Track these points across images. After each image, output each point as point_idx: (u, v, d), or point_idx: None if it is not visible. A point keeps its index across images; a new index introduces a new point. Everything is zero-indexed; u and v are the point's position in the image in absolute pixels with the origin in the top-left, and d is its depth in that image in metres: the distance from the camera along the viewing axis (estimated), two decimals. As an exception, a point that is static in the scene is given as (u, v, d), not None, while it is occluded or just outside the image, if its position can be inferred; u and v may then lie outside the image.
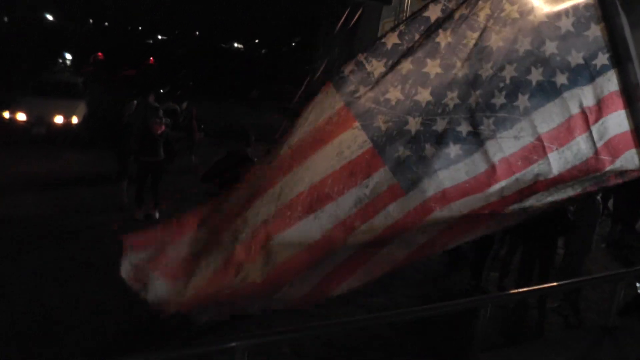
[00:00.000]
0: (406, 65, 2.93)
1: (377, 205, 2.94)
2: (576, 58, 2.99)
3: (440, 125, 2.99)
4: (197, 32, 46.34)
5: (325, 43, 19.73)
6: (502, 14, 3.02)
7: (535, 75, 3.02)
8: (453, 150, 3.00)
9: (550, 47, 3.01)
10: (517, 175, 3.03)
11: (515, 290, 5.59)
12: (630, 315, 4.94)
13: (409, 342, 5.58)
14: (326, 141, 2.87)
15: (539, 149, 3.02)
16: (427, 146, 2.97)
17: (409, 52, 2.93)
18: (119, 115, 9.87)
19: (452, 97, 3.00)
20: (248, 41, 47.71)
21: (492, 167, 3.02)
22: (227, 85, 25.78)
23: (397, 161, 2.94)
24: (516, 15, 3.03)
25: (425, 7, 3.01)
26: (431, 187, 2.98)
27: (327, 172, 2.87)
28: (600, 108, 2.98)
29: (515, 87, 3.02)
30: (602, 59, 2.97)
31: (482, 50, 3.01)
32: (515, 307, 6.38)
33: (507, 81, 3.03)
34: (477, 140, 3.03)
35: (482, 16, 3.00)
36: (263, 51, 44.37)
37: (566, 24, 3.00)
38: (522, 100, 3.02)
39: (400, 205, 2.98)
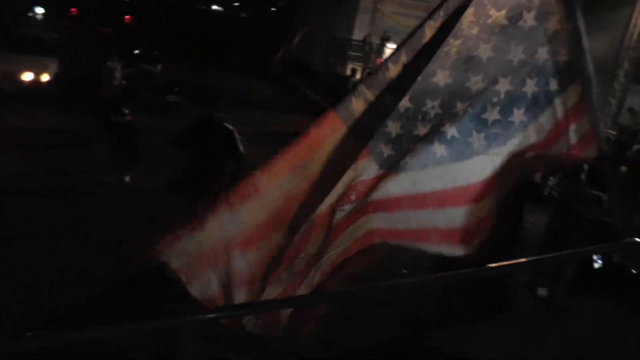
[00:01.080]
0: (390, 75, 2.81)
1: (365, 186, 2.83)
2: (564, 56, 2.87)
3: (422, 130, 2.85)
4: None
5: (304, 10, 19.54)
6: (489, 21, 2.85)
7: (531, 87, 2.87)
8: (438, 149, 2.86)
9: (542, 53, 2.87)
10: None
11: (493, 265, 5.57)
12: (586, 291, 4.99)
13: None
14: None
15: (525, 163, 2.96)
16: (411, 145, 2.83)
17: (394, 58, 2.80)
18: (93, 75, 9.69)
19: (432, 106, 2.85)
20: (228, 4, 46.95)
21: (484, 182, 2.92)
22: (206, 48, 25.40)
23: (382, 155, 2.81)
24: (504, 21, 2.86)
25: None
26: (422, 182, 2.89)
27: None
28: (578, 108, 2.89)
29: (511, 102, 2.88)
30: (573, 68, 2.86)
31: (469, 60, 2.85)
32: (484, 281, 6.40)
33: (502, 95, 2.89)
34: (465, 149, 2.90)
35: (465, 23, 2.82)
36: (243, 15, 43.74)
37: (554, 24, 2.86)
38: (518, 115, 2.88)
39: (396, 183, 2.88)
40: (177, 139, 6.42)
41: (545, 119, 2.91)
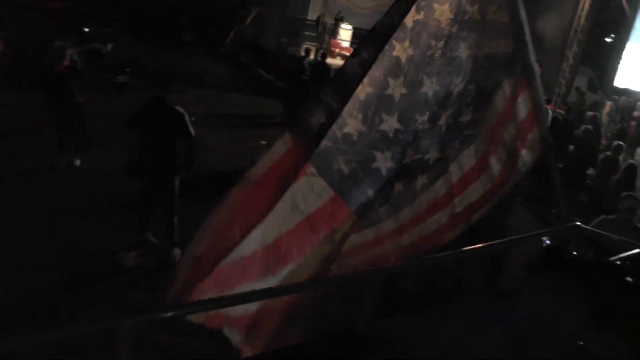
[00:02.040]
0: (364, 89, 2.52)
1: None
2: (509, 47, 2.95)
3: (410, 156, 2.68)
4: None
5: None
6: (466, 17, 2.72)
7: (490, 80, 2.88)
8: (420, 181, 2.80)
9: (497, 46, 2.88)
10: (471, 186, 2.97)
11: (440, 254, 5.75)
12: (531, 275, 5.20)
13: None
14: (278, 193, 2.45)
15: (486, 156, 2.98)
16: (397, 185, 2.70)
17: (364, 72, 2.53)
18: (40, 53, 9.46)
19: (422, 122, 2.67)
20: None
21: (450, 187, 2.91)
22: (157, 26, 24.82)
23: (366, 207, 2.59)
24: (478, 17, 2.78)
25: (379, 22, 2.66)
26: (396, 225, 2.79)
27: (281, 231, 2.44)
28: (517, 94, 3.00)
29: (481, 101, 2.85)
30: (517, 69, 2.96)
31: (452, 62, 2.72)
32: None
33: (474, 94, 2.82)
34: (443, 165, 2.87)
35: (444, 22, 2.66)
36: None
37: (496, 15, 2.88)
38: (484, 112, 2.90)
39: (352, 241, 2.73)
40: (128, 120, 6.37)
41: (492, 113, 2.97)
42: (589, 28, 18.21)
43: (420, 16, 2.59)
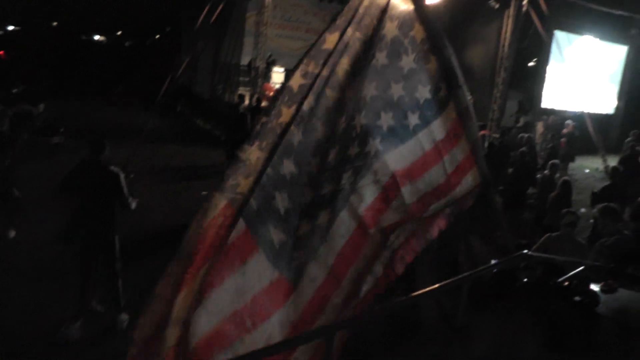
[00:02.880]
0: (271, 138, 2.70)
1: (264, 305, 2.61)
2: (424, 93, 3.00)
3: (308, 195, 2.77)
4: (55, 23, 43.69)
5: (189, 38, 19.39)
6: (338, 69, 2.87)
7: (386, 120, 2.96)
8: (322, 217, 2.82)
9: (397, 90, 2.97)
10: (382, 217, 2.98)
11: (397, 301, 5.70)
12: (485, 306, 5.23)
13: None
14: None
15: (394, 186, 2.99)
16: (301, 224, 2.73)
17: (266, 127, 2.71)
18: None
19: (315, 164, 2.79)
20: (110, 34, 45.65)
21: (361, 221, 2.92)
22: (90, 82, 24.52)
23: (272, 246, 2.63)
24: (385, 61, 2.96)
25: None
26: (321, 270, 2.78)
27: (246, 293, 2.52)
28: (451, 138, 3.02)
29: (366, 134, 2.93)
30: (444, 89, 3.01)
31: (337, 106, 2.85)
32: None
33: (359, 129, 2.92)
34: (341, 197, 2.90)
35: (340, 73, 2.84)
36: (126, 44, 42.68)
37: (408, 62, 2.99)
38: (374, 145, 2.95)
39: (294, 305, 2.69)
40: (62, 184, 6.12)
41: (409, 149, 3.01)
42: (513, 55, 19.13)
43: (317, 69, 2.77)
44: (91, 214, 5.99)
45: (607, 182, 10.95)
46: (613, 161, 18.43)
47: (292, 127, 2.72)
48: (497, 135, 16.15)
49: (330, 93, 2.81)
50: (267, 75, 19.02)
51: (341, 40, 2.86)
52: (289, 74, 2.90)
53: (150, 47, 36.15)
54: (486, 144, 13.44)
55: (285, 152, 2.69)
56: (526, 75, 22.79)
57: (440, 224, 3.08)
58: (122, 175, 6.09)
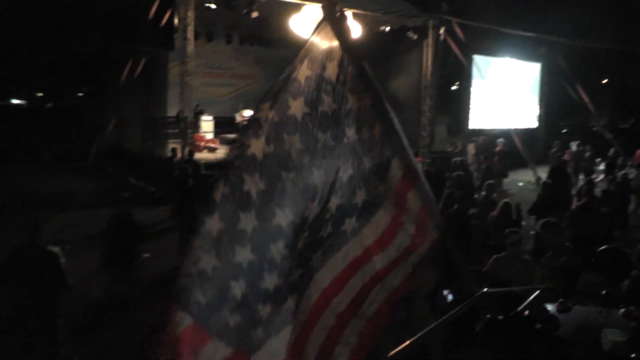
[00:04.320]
0: (213, 224, 2.62)
1: None
2: (372, 159, 2.98)
3: (269, 281, 2.73)
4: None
5: (114, 95, 19.05)
6: (318, 145, 2.89)
7: (361, 196, 2.95)
8: (289, 301, 2.80)
9: (367, 162, 2.96)
10: (347, 287, 2.94)
11: None
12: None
13: None
14: None
15: (365, 258, 2.95)
16: (263, 307, 2.69)
17: (211, 209, 2.64)
18: None
19: (277, 250, 2.75)
20: (30, 96, 44.33)
21: (323, 292, 2.88)
22: (13, 147, 23.50)
23: (227, 330, 2.61)
24: (331, 142, 2.93)
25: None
26: (280, 347, 2.76)
27: None
28: (401, 200, 2.98)
29: (342, 214, 2.91)
30: (387, 151, 2.97)
31: (307, 189, 2.85)
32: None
33: (334, 210, 2.91)
34: (309, 276, 2.87)
35: (294, 152, 2.82)
36: (48, 105, 41.51)
37: (358, 131, 2.99)
38: (350, 223, 2.93)
39: None
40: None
41: (380, 218, 2.99)
42: (436, 82, 19.78)
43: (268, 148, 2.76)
44: (30, 303, 5.61)
45: (540, 193, 11.35)
46: (542, 171, 19.15)
47: (242, 215, 2.68)
48: (428, 161, 16.51)
49: (286, 175, 2.79)
50: (196, 126, 18.85)
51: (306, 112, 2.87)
52: (241, 144, 2.81)
53: (74, 107, 35.28)
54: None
55: (235, 240, 2.65)
56: (451, 99, 23.59)
57: (409, 286, 3.05)
58: (60, 255, 5.77)
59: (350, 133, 2.95)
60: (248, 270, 2.66)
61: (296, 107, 2.83)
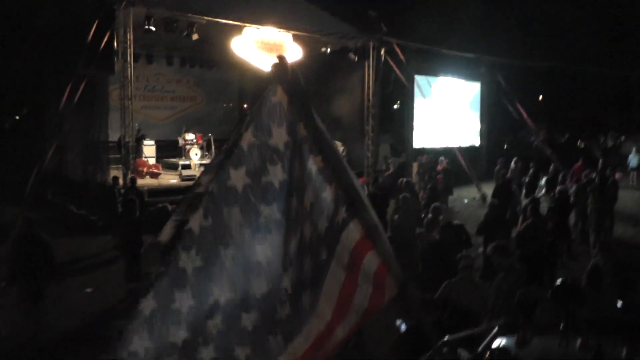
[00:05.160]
0: (147, 304, 2.56)
1: None
2: (325, 223, 2.81)
3: (206, 355, 2.63)
4: None
5: (53, 118, 18.45)
6: (261, 219, 2.81)
7: (313, 264, 2.80)
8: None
9: (321, 226, 2.80)
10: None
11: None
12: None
13: None
14: None
15: (329, 332, 2.81)
16: None
17: (145, 289, 2.57)
18: None
19: (215, 324, 2.66)
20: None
21: None
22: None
23: None
24: (278, 215, 2.82)
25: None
26: None
27: None
28: (355, 261, 2.88)
29: (299, 290, 2.79)
30: (342, 213, 2.80)
31: (248, 266, 2.74)
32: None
33: (290, 290, 2.78)
34: None
35: (234, 226, 2.73)
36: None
37: (310, 198, 2.82)
38: (306, 296, 2.80)
39: None
40: None
41: (330, 285, 2.81)
42: (378, 102, 19.99)
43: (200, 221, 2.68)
44: None
45: (484, 209, 11.52)
46: (486, 187, 19.56)
47: (177, 293, 2.61)
48: (372, 180, 16.60)
49: (225, 251, 2.70)
50: (138, 151, 18.43)
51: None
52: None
53: (10, 130, 33.93)
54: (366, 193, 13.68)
55: (170, 319, 2.59)
56: (394, 119, 23.88)
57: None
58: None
59: (302, 200, 2.82)
60: (183, 349, 2.58)
61: (237, 177, 2.72)
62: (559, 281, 4.91)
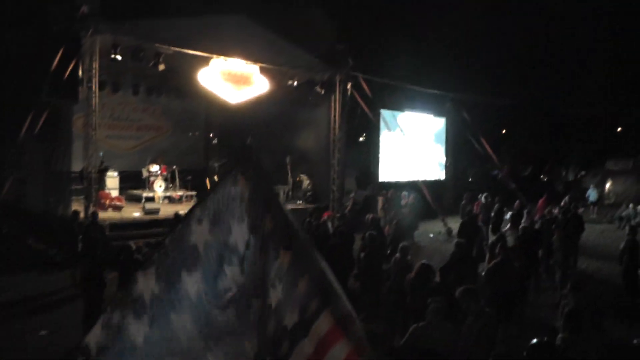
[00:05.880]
0: None
1: None
2: (295, 318, 2.63)
3: None
4: None
5: (12, 148, 17.98)
6: (215, 326, 2.62)
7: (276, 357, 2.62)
8: None
9: (288, 322, 2.60)
10: None
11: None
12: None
13: None
14: None
15: None
16: None
17: None
18: None
19: None
20: None
21: None
22: None
23: None
24: (234, 321, 2.62)
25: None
26: None
27: None
28: (320, 351, 2.74)
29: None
30: (314, 305, 2.65)
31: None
32: None
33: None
34: None
35: (182, 335, 2.56)
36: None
37: (278, 294, 2.63)
38: None
39: None
40: None
41: None
42: (344, 136, 20.06)
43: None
44: None
45: (450, 243, 11.52)
46: (451, 221, 19.68)
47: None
48: (338, 215, 16.50)
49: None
50: (101, 183, 18.03)
51: None
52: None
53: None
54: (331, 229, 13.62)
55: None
56: (360, 153, 23.97)
57: None
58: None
59: (266, 299, 2.61)
60: None
61: (190, 282, 2.52)
62: (534, 341, 4.87)
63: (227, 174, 2.66)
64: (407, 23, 32.43)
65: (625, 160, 32.42)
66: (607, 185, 30.95)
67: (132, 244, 10.02)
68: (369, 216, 13.65)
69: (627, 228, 15.29)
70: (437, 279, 9.11)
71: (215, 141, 24.51)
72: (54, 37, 15.93)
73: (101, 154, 18.37)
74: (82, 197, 16.11)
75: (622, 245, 12.09)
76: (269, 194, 2.65)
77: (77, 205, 15.75)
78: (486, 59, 31.86)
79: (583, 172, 33.29)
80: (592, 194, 27.24)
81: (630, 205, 23.47)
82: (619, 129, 38.68)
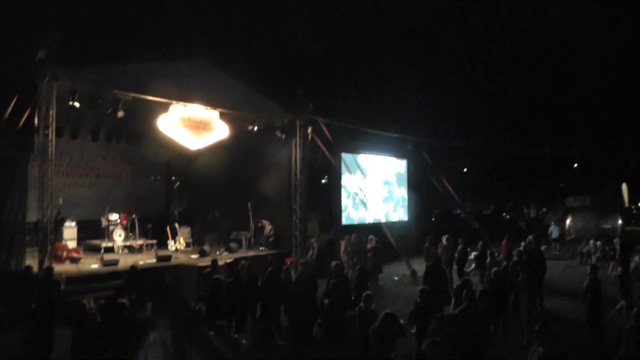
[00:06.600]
0: None
1: None
2: None
3: None
4: None
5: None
6: None
7: None
8: None
9: None
10: None
11: None
12: None
13: None
14: None
15: None
16: None
17: None
18: None
19: None
20: None
21: None
22: None
23: None
24: None
25: None
26: None
27: None
28: None
29: None
30: None
31: None
32: None
33: None
34: None
35: None
36: None
37: None
38: None
39: None
40: None
41: None
42: (306, 180, 19.98)
43: None
44: None
45: (415, 286, 11.39)
46: (415, 262, 19.64)
47: None
48: (302, 261, 16.31)
49: None
50: (57, 233, 17.48)
51: None
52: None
53: None
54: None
55: None
56: (322, 196, 23.87)
57: None
58: None
59: None
60: None
61: None
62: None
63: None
64: (366, 68, 32.99)
65: (583, 197, 33.21)
66: (568, 222, 31.53)
67: (86, 302, 9.66)
68: (334, 263, 13.45)
69: (589, 262, 15.47)
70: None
71: (176, 185, 24.10)
72: (9, 84, 15.52)
73: (60, 201, 17.88)
74: (36, 249, 15.50)
75: (585, 283, 12.15)
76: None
77: (32, 258, 15.12)
78: (446, 102, 32.48)
79: (544, 209, 33.83)
80: (554, 231, 27.70)
81: (591, 242, 24.09)
82: (575, 165, 39.57)
